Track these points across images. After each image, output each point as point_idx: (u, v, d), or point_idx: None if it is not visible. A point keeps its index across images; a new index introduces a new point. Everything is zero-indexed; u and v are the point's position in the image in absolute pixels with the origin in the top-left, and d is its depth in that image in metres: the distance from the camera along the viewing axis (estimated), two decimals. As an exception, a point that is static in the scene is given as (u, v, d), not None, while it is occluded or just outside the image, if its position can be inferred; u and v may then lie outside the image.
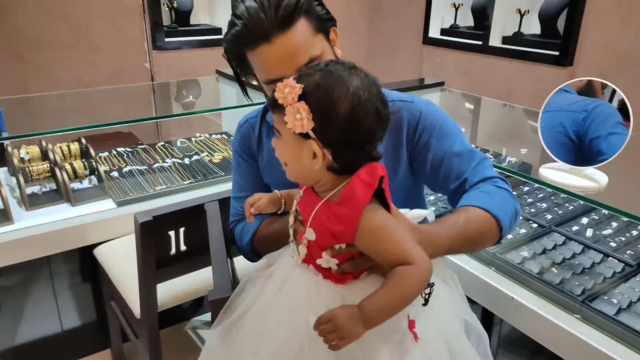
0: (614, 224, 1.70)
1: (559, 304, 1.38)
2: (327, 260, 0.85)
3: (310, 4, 0.95)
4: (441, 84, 2.43)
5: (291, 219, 0.93)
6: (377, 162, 0.83)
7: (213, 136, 2.60)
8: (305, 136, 0.79)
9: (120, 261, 1.69)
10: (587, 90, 1.44)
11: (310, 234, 0.86)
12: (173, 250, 1.44)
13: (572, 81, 1.48)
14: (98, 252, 1.79)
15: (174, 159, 2.28)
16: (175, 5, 3.45)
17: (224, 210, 1.35)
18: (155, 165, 2.21)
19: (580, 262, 1.49)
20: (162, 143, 2.48)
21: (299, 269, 0.90)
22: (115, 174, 2.11)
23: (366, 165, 0.82)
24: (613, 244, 1.59)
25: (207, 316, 2.24)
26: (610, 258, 1.51)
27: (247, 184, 1.19)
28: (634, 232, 1.65)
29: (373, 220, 0.80)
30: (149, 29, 3.24)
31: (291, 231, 0.93)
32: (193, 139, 2.55)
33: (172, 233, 1.41)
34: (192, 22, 3.63)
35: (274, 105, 0.81)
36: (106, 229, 1.83)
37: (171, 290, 1.56)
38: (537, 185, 1.99)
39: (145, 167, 2.19)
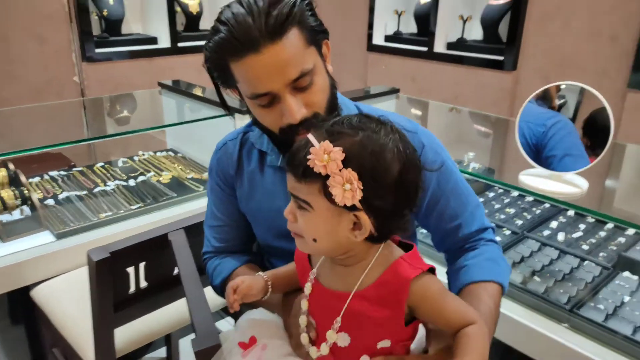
0: (582, 226, 1.71)
1: (546, 313, 1.35)
2: None
3: (304, 13, 0.86)
4: (396, 90, 2.39)
5: (302, 321, 0.81)
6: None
7: (158, 154, 2.41)
8: (351, 207, 0.68)
9: (64, 302, 1.48)
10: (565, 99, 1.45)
11: (342, 340, 0.75)
12: (132, 289, 1.27)
13: (546, 87, 1.47)
14: (36, 293, 1.57)
15: (117, 181, 2.08)
16: (105, 13, 3.20)
17: (192, 239, 1.21)
18: (96, 190, 2.00)
19: (560, 269, 1.48)
20: (102, 164, 2.26)
21: None
22: (50, 201, 1.88)
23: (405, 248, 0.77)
24: (585, 247, 1.59)
25: (160, 352, 2.06)
26: (586, 262, 1.51)
27: (222, 212, 1.09)
28: (602, 233, 1.67)
29: (429, 283, 0.73)
30: (77, 39, 2.98)
31: (305, 337, 0.81)
32: (136, 158, 2.35)
33: (131, 269, 1.24)
34: (123, 31, 3.39)
35: (301, 174, 0.69)
36: (44, 266, 1.61)
37: (130, 332, 1.39)
38: (500, 190, 1.99)
39: (84, 192, 1.98)
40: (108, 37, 3.22)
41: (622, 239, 1.62)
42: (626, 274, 1.45)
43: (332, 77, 0.95)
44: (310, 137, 0.71)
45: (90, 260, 1.15)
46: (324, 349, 0.77)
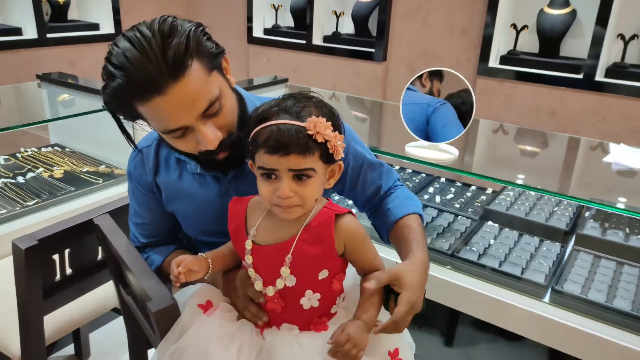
0: (452, 189, 2.04)
1: (432, 260, 1.61)
2: (309, 298, 0.91)
3: (200, 42, 0.85)
4: (285, 80, 2.55)
5: (252, 272, 0.93)
6: None
7: (43, 149, 2.29)
8: (335, 161, 0.87)
9: (-29, 303, 1.41)
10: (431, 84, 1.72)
11: (290, 281, 0.90)
12: (58, 276, 1.27)
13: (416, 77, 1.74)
14: None
15: (3, 179, 1.96)
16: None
17: (118, 221, 1.25)
18: (-19, 189, 1.87)
19: (440, 224, 1.76)
20: (-21, 162, 2.10)
21: (269, 334, 0.94)
22: None
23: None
24: (457, 205, 1.91)
25: (68, 349, 2.00)
26: (459, 217, 1.82)
27: (145, 211, 1.12)
28: (468, 194, 2.01)
29: (354, 227, 0.91)
30: None
31: (258, 283, 0.93)
32: (18, 155, 2.21)
33: (56, 257, 1.25)
34: (-21, 21, 3.09)
35: (306, 148, 0.82)
36: (-63, 270, 1.51)
37: (54, 322, 1.38)
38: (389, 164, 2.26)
39: (-32, 192, 1.84)
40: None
41: (484, 197, 1.98)
42: (490, 223, 1.79)
43: (236, 89, 0.97)
44: (290, 121, 0.82)
45: (17, 248, 1.14)
46: (280, 283, 0.91)
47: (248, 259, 0.94)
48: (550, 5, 2.75)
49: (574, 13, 2.72)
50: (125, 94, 0.82)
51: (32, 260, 1.16)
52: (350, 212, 0.92)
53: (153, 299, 0.97)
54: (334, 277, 0.94)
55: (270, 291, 0.92)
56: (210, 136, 0.88)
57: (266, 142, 0.82)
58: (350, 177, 1.11)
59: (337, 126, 0.87)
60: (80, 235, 1.26)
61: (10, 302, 1.39)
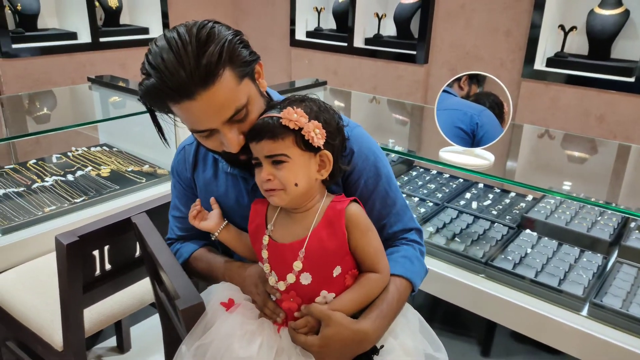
0: (490, 195, 2.00)
1: (466, 267, 1.59)
2: (324, 296, 0.94)
3: (234, 51, 0.87)
4: (324, 83, 2.57)
5: (266, 267, 0.97)
6: None
7: (92, 149, 2.40)
8: (315, 150, 0.91)
9: (21, 293, 1.50)
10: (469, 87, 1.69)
11: (305, 279, 0.93)
12: (98, 271, 1.34)
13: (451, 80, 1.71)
14: (-13, 288, 1.56)
15: (54, 177, 2.07)
16: (19, 8, 3.08)
17: (155, 220, 1.29)
18: (34, 186, 1.99)
19: (475, 231, 1.73)
20: (34, 161, 2.23)
21: (285, 332, 0.96)
22: (-13, 199, 1.86)
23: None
24: (494, 212, 1.87)
25: (110, 342, 2.09)
26: (496, 224, 1.78)
27: (183, 205, 1.18)
28: (507, 200, 1.96)
29: (362, 218, 0.95)
30: (-10, 35, 2.85)
31: (272, 278, 0.96)
32: (69, 154, 2.33)
33: (96, 252, 1.31)
34: (39, 26, 3.27)
35: (278, 133, 0.88)
36: (-8, 261, 1.61)
37: (96, 314, 1.45)
38: (422, 169, 2.24)
39: (22, 189, 1.96)
40: (24, 32, 3.10)
41: (523, 204, 1.93)
42: (527, 231, 1.74)
43: (268, 93, 1.01)
44: (270, 114, 0.91)
45: (59, 243, 1.20)
46: (291, 277, 0.93)
47: (264, 254, 0.97)
48: (601, 6, 2.63)
49: (626, 13, 2.60)
50: (157, 93, 0.87)
51: (73, 255, 1.22)
52: (356, 200, 0.97)
53: (181, 297, 1.01)
54: (347, 273, 0.96)
55: (281, 286, 0.95)
56: (234, 141, 0.93)
57: (249, 132, 0.93)
58: (359, 195, 1.04)
59: (324, 122, 0.91)
60: (119, 232, 1.32)
61: (55, 294, 1.48)
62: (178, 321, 1.17)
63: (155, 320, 2.21)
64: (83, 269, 1.28)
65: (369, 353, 0.94)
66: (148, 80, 0.87)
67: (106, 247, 1.33)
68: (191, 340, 0.97)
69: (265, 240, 0.97)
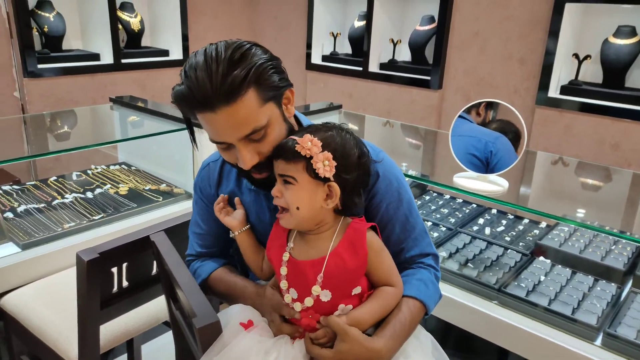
0: (504, 222, 2.00)
1: (479, 293, 1.59)
2: (342, 310, 0.97)
3: (262, 74, 0.92)
4: (339, 106, 2.61)
5: (284, 284, 1.00)
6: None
7: (111, 167, 2.46)
8: (324, 180, 0.93)
9: (38, 308, 1.53)
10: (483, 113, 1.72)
11: (325, 296, 0.96)
12: (115, 288, 1.36)
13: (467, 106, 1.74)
14: (6, 302, 1.59)
15: (74, 194, 2.12)
16: (45, 29, 3.19)
17: (173, 239, 1.32)
18: (54, 202, 2.04)
19: (488, 256, 1.73)
20: (55, 178, 2.29)
21: (299, 344, 0.99)
22: (9, 214, 1.90)
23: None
24: (507, 238, 1.87)
25: (121, 359, 2.10)
26: (509, 250, 1.78)
27: (204, 222, 1.21)
28: (520, 227, 1.96)
29: (375, 240, 0.99)
30: (17, 55, 2.95)
31: (288, 297, 0.99)
32: (89, 172, 2.39)
33: (114, 270, 1.34)
34: (63, 47, 3.38)
35: (291, 156, 0.93)
36: (12, 276, 1.65)
37: (110, 332, 1.47)
38: (435, 194, 2.25)
39: (43, 205, 2.01)
40: (49, 53, 3.20)
41: (536, 231, 1.93)
42: (541, 258, 1.74)
43: (291, 121, 1.03)
44: (296, 135, 0.96)
45: (80, 260, 1.23)
46: (309, 301, 0.96)
47: (283, 271, 1.00)
48: (615, 35, 2.66)
49: (641, 43, 2.62)
50: (185, 99, 0.93)
51: (93, 271, 1.25)
52: (374, 227, 1.01)
53: (198, 315, 1.02)
54: (366, 292, 0.99)
55: (297, 307, 0.97)
56: (247, 158, 0.97)
57: (274, 149, 0.98)
58: (378, 222, 1.07)
59: (340, 156, 0.94)
60: (138, 250, 1.35)
61: (72, 310, 1.50)
62: (193, 340, 1.18)
63: (166, 338, 2.22)
64: (101, 286, 1.31)
65: None
66: (180, 86, 0.93)
67: (124, 265, 1.36)
68: (207, 358, 0.99)
69: (286, 256, 1.00)
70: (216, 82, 0.88)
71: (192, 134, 1.07)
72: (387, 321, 0.99)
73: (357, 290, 0.97)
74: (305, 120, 1.11)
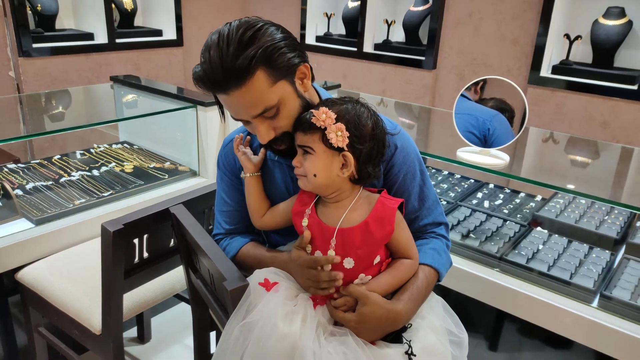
0: (501, 195, 2.08)
1: (481, 262, 1.67)
2: (361, 278, 1.04)
3: (271, 54, 0.95)
4: (338, 85, 2.65)
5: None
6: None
7: (114, 146, 2.47)
8: (339, 150, 0.98)
9: (57, 281, 1.56)
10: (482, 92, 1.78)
11: (348, 263, 1.02)
12: (137, 259, 1.41)
13: (468, 85, 1.80)
14: (23, 275, 1.63)
15: (80, 172, 2.14)
16: (39, 8, 3.15)
17: (192, 211, 1.37)
18: (62, 180, 2.06)
19: (488, 227, 1.81)
20: (59, 156, 2.30)
21: (321, 310, 1.04)
22: (18, 191, 1.92)
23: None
24: (506, 211, 1.95)
25: (131, 332, 2.15)
26: (508, 222, 1.86)
27: (231, 198, 1.24)
28: (517, 200, 2.05)
29: (400, 217, 1.06)
30: (11, 34, 2.92)
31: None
32: (92, 150, 2.40)
33: (136, 241, 1.38)
34: (56, 27, 3.34)
35: (308, 128, 0.99)
36: (27, 251, 1.68)
37: (131, 301, 1.52)
38: (434, 170, 2.32)
39: (51, 183, 2.03)
40: (43, 32, 3.17)
41: (532, 204, 2.01)
42: (539, 229, 1.82)
43: (307, 95, 1.05)
44: (314, 108, 1.01)
45: (106, 231, 1.27)
46: (349, 262, 1.02)
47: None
48: (605, 16, 2.74)
49: (630, 24, 2.70)
50: (201, 81, 0.99)
51: (118, 242, 1.29)
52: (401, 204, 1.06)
53: (228, 279, 1.08)
54: (385, 261, 1.06)
55: (332, 253, 1.02)
56: (263, 133, 1.03)
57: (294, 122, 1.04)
58: (394, 193, 1.13)
59: (354, 127, 0.98)
60: (158, 222, 1.39)
61: (92, 282, 1.55)
62: (218, 305, 1.24)
63: (175, 311, 2.28)
64: (125, 256, 1.35)
65: (399, 331, 1.03)
66: (197, 68, 0.99)
67: (145, 236, 1.41)
68: (235, 320, 1.04)
69: (306, 222, 1.05)
70: (227, 65, 0.92)
71: (220, 107, 1.09)
72: (405, 287, 1.06)
73: (377, 259, 1.04)
74: (325, 94, 1.15)
